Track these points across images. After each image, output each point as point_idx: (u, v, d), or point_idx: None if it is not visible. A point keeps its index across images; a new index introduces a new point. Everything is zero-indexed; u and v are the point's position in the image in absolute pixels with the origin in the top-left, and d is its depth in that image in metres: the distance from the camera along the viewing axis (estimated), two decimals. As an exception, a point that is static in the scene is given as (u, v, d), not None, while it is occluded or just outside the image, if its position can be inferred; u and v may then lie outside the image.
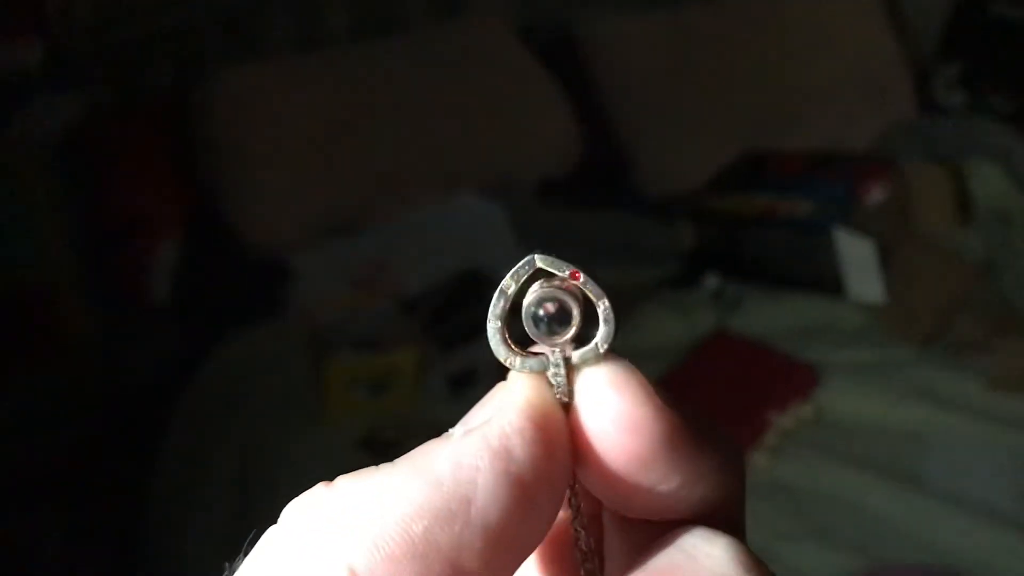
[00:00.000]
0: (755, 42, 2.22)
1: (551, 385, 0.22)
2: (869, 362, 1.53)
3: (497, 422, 0.21)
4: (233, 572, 0.22)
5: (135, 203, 1.94)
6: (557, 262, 0.23)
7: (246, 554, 0.22)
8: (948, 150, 1.99)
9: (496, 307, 0.23)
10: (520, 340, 0.24)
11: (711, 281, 1.71)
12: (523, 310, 0.23)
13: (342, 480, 0.21)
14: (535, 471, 0.20)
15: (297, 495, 0.21)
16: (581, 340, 0.23)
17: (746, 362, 1.52)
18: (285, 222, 1.89)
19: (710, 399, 1.46)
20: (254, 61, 2.02)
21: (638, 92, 2.13)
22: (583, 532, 0.24)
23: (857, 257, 1.61)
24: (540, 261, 0.23)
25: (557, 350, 0.23)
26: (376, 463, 0.21)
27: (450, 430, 0.22)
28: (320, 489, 0.21)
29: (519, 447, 0.21)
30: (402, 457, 0.21)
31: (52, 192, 1.92)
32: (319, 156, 1.94)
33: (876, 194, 1.71)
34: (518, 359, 0.23)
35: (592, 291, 0.23)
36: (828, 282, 1.65)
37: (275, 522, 0.22)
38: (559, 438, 0.21)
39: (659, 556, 0.21)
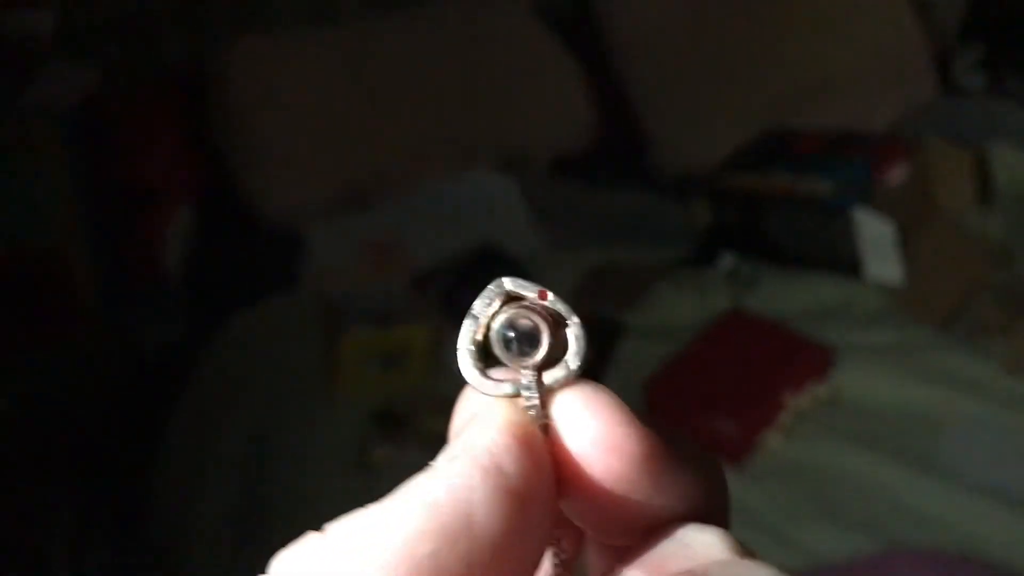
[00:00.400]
0: (776, 20, 2.20)
1: (525, 407, 0.22)
2: (886, 344, 1.52)
3: (482, 443, 0.21)
4: None
5: (147, 174, 1.94)
6: (525, 284, 0.23)
7: None
8: (969, 132, 1.97)
9: (466, 332, 0.23)
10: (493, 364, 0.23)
11: (727, 260, 1.70)
12: (491, 333, 0.23)
13: (333, 525, 0.21)
14: (527, 483, 0.21)
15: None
16: (552, 361, 0.23)
17: (761, 342, 1.51)
18: (298, 194, 1.88)
19: (724, 378, 1.45)
20: (269, 32, 2.01)
21: (656, 69, 2.11)
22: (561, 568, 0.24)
23: (876, 238, 1.60)
24: (509, 284, 0.23)
25: (529, 372, 0.22)
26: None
27: (431, 463, 0.21)
28: (311, 536, 0.21)
29: (508, 462, 0.21)
30: (389, 496, 0.21)
31: (63, 162, 1.92)
32: (333, 129, 1.93)
33: (896, 175, 1.69)
34: (490, 384, 0.23)
35: (562, 309, 0.23)
36: (846, 263, 1.63)
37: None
38: (543, 453, 0.21)
39: (653, 548, 0.21)
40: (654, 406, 1.42)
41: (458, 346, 0.23)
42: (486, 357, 0.23)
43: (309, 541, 0.21)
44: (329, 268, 1.75)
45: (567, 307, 0.23)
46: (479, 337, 0.23)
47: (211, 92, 1.93)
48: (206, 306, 1.84)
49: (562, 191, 1.99)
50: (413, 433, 1.43)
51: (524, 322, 0.23)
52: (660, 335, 1.57)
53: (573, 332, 0.23)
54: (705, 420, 1.39)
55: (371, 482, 1.37)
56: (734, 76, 2.13)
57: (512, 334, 0.23)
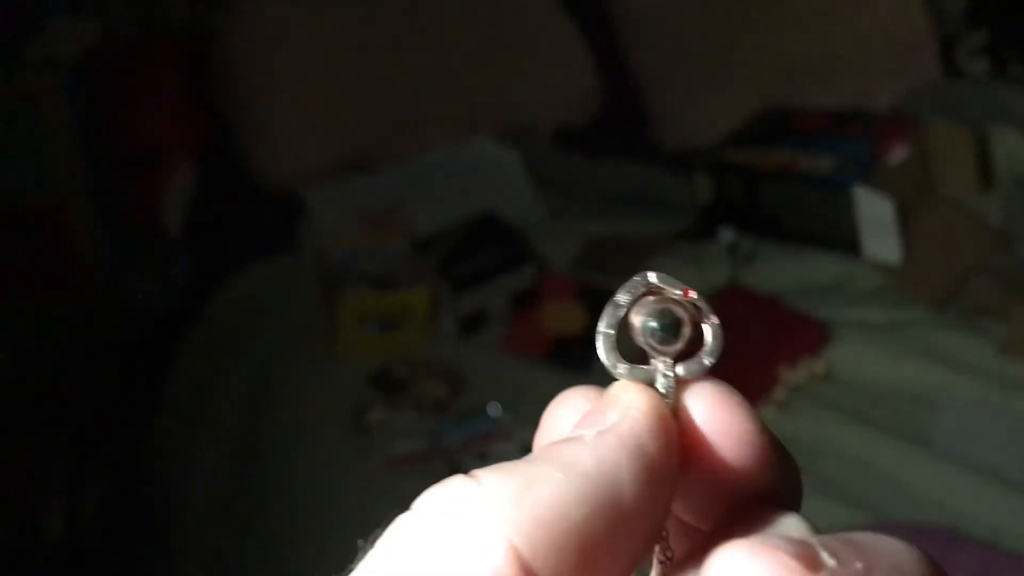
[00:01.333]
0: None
1: (660, 394, 0.24)
2: (882, 322, 1.52)
3: (628, 424, 0.22)
4: (364, 555, 0.21)
5: (149, 132, 1.93)
6: (671, 280, 0.25)
7: (373, 543, 0.21)
8: (971, 115, 1.96)
9: (607, 317, 0.24)
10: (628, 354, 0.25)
11: (726, 235, 1.70)
12: (638, 320, 0.24)
13: (483, 472, 0.21)
14: (663, 464, 0.22)
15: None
16: (685, 354, 0.24)
17: (758, 316, 1.52)
18: (300, 157, 1.88)
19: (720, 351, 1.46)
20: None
21: (660, 42, 2.11)
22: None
23: (875, 216, 1.60)
24: (654, 278, 0.25)
25: (668, 360, 0.24)
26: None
27: (577, 432, 0.23)
28: (460, 478, 0.21)
29: (651, 444, 0.22)
30: (531, 456, 0.22)
31: (67, 117, 1.91)
32: (336, 92, 1.92)
33: (898, 153, 1.69)
34: (625, 368, 0.24)
35: (703, 308, 0.25)
36: (845, 240, 1.64)
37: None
38: (675, 437, 0.23)
39: (739, 528, 0.23)
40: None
41: (597, 330, 0.24)
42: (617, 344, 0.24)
43: (458, 481, 0.21)
44: (329, 231, 1.75)
45: (708, 306, 0.24)
46: (617, 322, 0.24)
47: (214, 53, 1.93)
48: (206, 265, 1.84)
49: (564, 162, 1.99)
50: (409, 396, 1.44)
51: (671, 314, 0.24)
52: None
53: (711, 330, 0.24)
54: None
55: (366, 443, 1.38)
56: (738, 52, 2.13)
57: (655, 324, 0.24)
